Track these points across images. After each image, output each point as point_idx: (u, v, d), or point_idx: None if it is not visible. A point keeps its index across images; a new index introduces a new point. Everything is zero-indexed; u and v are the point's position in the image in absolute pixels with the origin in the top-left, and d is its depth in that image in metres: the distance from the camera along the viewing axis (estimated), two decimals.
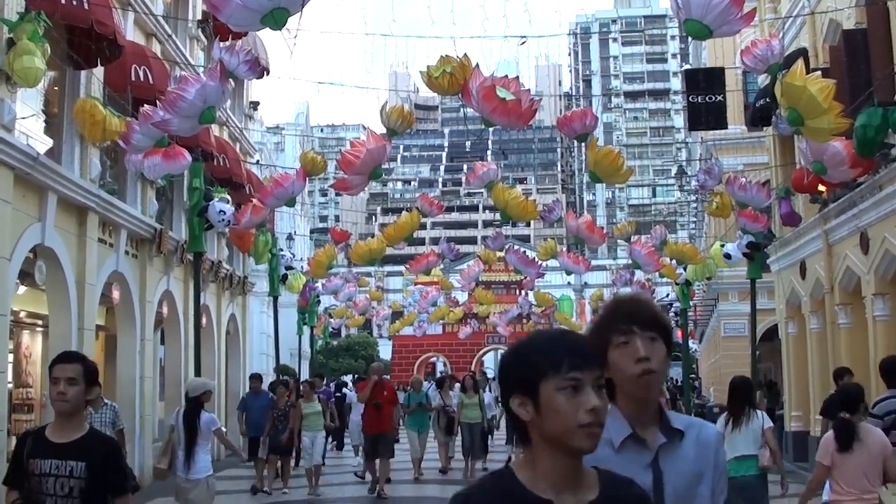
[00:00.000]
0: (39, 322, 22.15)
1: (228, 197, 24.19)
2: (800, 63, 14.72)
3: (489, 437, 31.44)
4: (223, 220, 22.93)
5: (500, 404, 31.46)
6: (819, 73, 15.79)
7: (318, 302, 46.11)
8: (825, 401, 12.57)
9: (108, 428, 14.51)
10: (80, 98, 18.82)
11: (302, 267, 40.56)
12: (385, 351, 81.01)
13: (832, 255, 23.79)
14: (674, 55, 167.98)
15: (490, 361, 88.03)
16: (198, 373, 21.97)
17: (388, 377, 39.61)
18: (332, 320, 56.42)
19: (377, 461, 21.67)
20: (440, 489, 22.82)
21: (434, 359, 77.32)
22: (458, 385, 28.51)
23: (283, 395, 22.42)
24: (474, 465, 24.87)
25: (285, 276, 34.78)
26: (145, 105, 16.60)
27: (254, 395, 23.44)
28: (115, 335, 23.96)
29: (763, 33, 26.85)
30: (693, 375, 56.55)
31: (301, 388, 24.05)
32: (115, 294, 22.67)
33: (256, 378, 24.15)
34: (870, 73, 19.26)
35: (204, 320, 27.32)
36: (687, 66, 71.62)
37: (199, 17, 28.78)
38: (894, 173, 18.56)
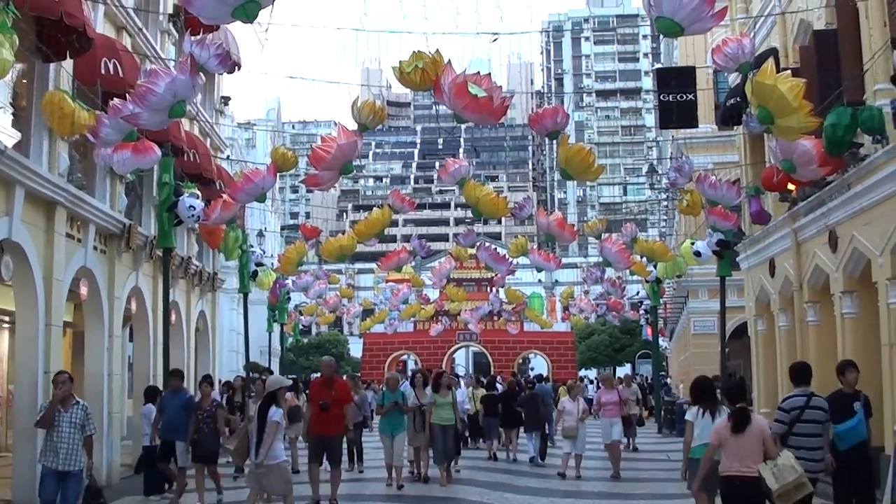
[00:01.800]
0: (6, 318, 22.07)
1: (198, 192, 24.12)
2: (770, 62, 14.84)
3: (467, 438, 31.42)
4: (193, 215, 22.87)
5: (473, 401, 31.52)
6: (789, 72, 15.84)
7: (289, 299, 46.17)
8: (725, 391, 13.25)
9: (79, 432, 14.34)
10: (48, 91, 18.70)
11: (272, 264, 40.50)
12: (356, 349, 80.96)
13: (801, 254, 23.93)
14: (646, 54, 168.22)
15: (461, 358, 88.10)
16: (166, 369, 21.92)
17: (358, 374, 39.56)
18: (302, 317, 56.50)
19: (331, 469, 19.27)
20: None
21: (405, 357, 77.25)
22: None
23: (207, 395, 19.85)
24: (448, 469, 22.69)
25: (255, 273, 34.72)
26: (115, 99, 16.50)
27: (172, 394, 19.87)
28: (82, 332, 23.80)
29: (734, 32, 26.99)
30: (663, 373, 56.80)
31: (253, 386, 22.38)
32: (83, 290, 22.52)
33: (176, 375, 20.46)
34: (839, 73, 19.39)
35: (173, 317, 27.19)
36: (658, 66, 71.86)
37: (170, 10, 28.64)
38: (863, 172, 18.69)
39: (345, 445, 22.79)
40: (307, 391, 22.60)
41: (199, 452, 19.16)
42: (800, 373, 14.03)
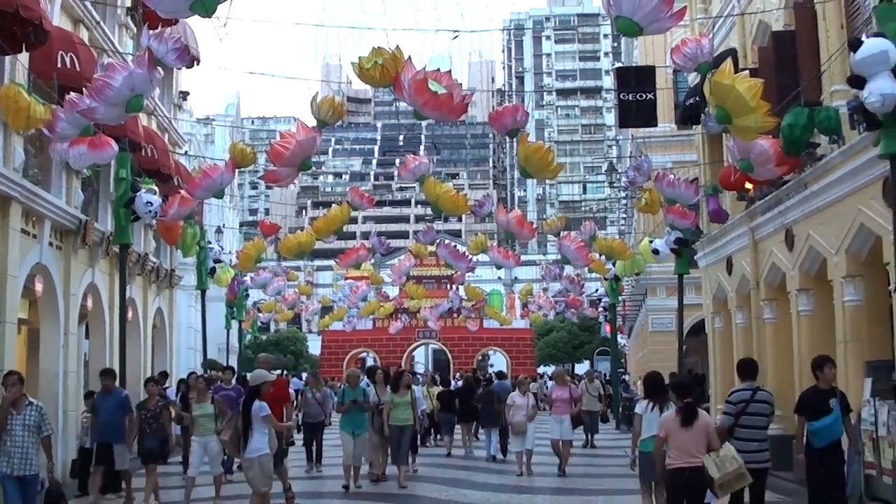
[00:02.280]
0: None
1: (156, 188, 23.98)
2: (729, 63, 14.90)
3: (426, 436, 31.26)
4: (150, 211, 22.74)
5: (429, 399, 31.47)
6: (747, 72, 15.98)
7: (247, 296, 45.95)
8: (672, 387, 14.20)
9: (34, 434, 13.95)
10: (3, 84, 18.52)
11: (230, 260, 40.31)
12: (314, 346, 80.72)
13: (758, 252, 24.12)
14: (606, 53, 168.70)
15: (421, 356, 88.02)
16: (122, 368, 21.75)
17: (317, 371, 39.46)
18: (260, 314, 56.21)
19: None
20: None
21: (364, 354, 77.15)
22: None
23: (153, 395, 19.17)
24: (405, 470, 21.74)
25: (213, 270, 34.59)
26: (71, 93, 16.40)
27: (105, 395, 18.75)
28: (37, 329, 23.55)
29: (693, 33, 27.13)
30: (621, 370, 57.03)
31: (196, 384, 21.24)
32: (38, 287, 22.30)
33: (107, 374, 19.23)
34: (797, 73, 19.53)
35: (130, 314, 27.02)
36: (618, 65, 72.14)
37: (128, 3, 28.44)
38: (819, 172, 18.87)
39: (302, 444, 22.78)
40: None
41: (144, 452, 18.66)
42: (747, 368, 14.53)
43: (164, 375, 26.33)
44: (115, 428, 18.27)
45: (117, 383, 19.55)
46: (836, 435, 13.37)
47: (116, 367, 21.56)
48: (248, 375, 16.84)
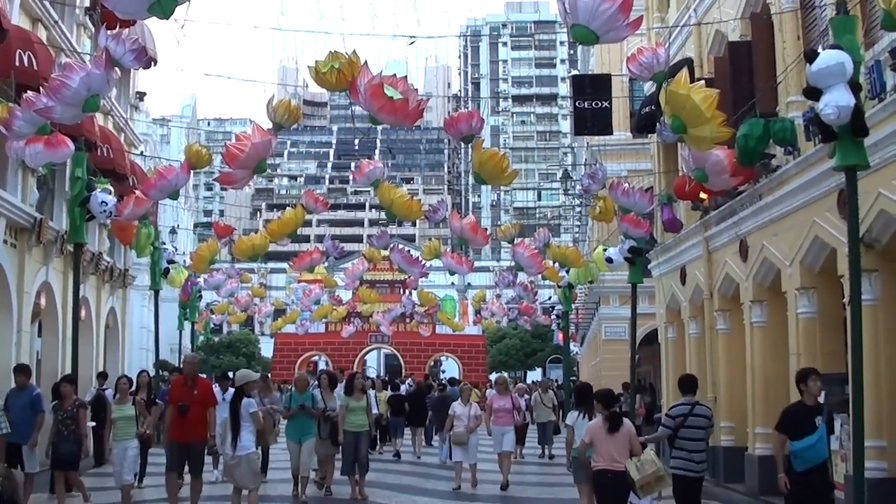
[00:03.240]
0: None
1: (111, 188, 23.80)
2: (684, 72, 14.95)
3: (377, 443, 31.10)
4: (105, 211, 22.57)
5: (379, 403, 31.39)
6: (703, 82, 16.07)
7: (200, 297, 45.72)
8: (598, 397, 14.72)
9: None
10: None
11: (184, 261, 40.11)
12: (267, 348, 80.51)
13: (712, 262, 24.22)
14: (562, 61, 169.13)
15: (373, 360, 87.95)
16: (74, 366, 21.59)
17: (268, 375, 39.28)
18: (213, 316, 55.93)
19: (191, 480, 17.49)
20: None
21: (316, 358, 76.95)
22: (341, 385, 25.35)
23: (68, 396, 18.24)
24: (361, 480, 20.65)
25: (167, 270, 34.40)
26: (28, 91, 16.28)
27: (17, 392, 17.94)
28: None
29: (650, 42, 27.23)
30: (574, 378, 57.14)
31: (118, 384, 19.90)
32: None
33: (21, 371, 18.52)
34: (753, 84, 19.67)
35: (83, 313, 26.85)
36: (575, 72, 72.33)
37: (86, 3, 28.29)
38: (774, 183, 19.00)
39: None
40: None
41: (58, 457, 17.82)
42: (687, 384, 15.34)
43: (104, 376, 26.05)
44: (25, 428, 17.36)
45: (77, 386, 19.34)
46: (822, 457, 12.61)
47: (69, 367, 21.40)
48: (234, 375, 16.96)
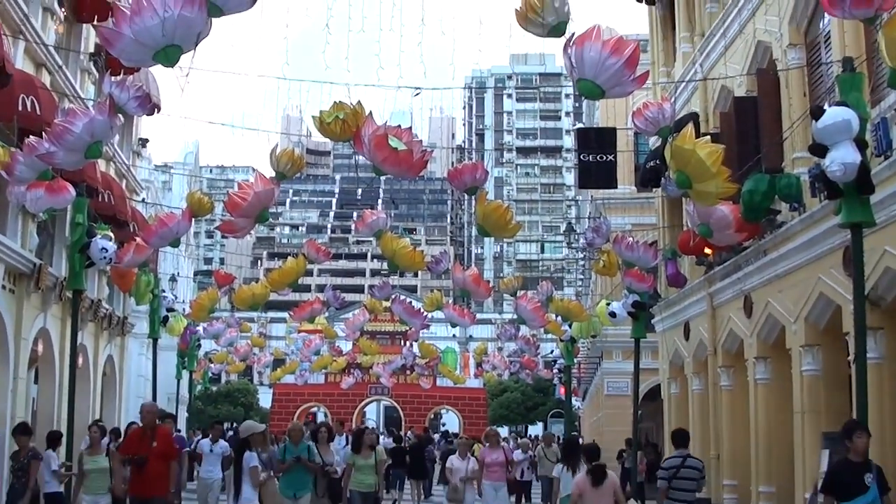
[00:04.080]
0: None
1: (111, 234, 23.82)
2: (690, 127, 15.01)
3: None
4: (105, 257, 22.55)
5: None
6: (709, 137, 16.10)
7: (199, 346, 45.56)
8: (584, 451, 15.94)
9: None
10: None
11: (183, 309, 40.04)
12: (265, 399, 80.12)
13: (716, 318, 24.18)
14: (567, 113, 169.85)
15: (372, 412, 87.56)
16: (71, 414, 21.47)
17: (267, 425, 39.13)
18: (212, 365, 55.74)
19: None
20: None
21: (315, 409, 76.64)
22: (339, 438, 24.06)
23: (24, 447, 17.75)
24: None
25: (166, 318, 34.31)
26: (31, 136, 16.31)
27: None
28: None
29: (655, 96, 27.31)
30: (575, 433, 56.88)
31: (90, 433, 19.07)
32: None
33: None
34: (759, 140, 19.72)
35: (80, 360, 26.76)
36: (579, 125, 72.59)
37: (91, 49, 28.43)
38: (779, 239, 19.00)
39: None
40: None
41: None
42: (679, 437, 16.39)
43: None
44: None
45: (65, 431, 19.23)
46: None
47: (65, 415, 21.28)
48: (226, 424, 16.79)
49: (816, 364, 18.15)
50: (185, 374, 44.50)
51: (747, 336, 21.61)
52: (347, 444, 26.32)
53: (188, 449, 26.61)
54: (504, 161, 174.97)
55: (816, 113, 12.07)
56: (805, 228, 17.68)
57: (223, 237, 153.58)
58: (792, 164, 18.34)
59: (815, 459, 16.64)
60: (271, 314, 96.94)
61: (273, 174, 18.56)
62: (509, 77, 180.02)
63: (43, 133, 15.35)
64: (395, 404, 76.23)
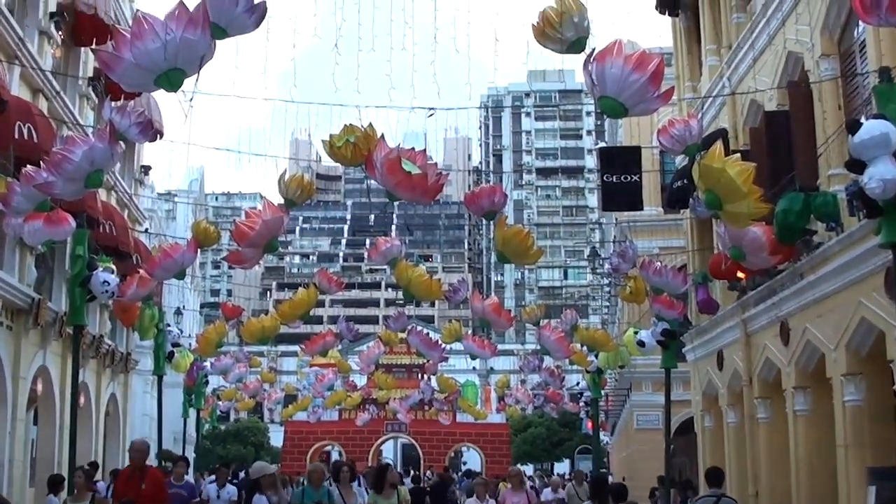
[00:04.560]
0: None
1: (113, 267, 23.88)
2: (719, 144, 14.95)
3: None
4: (107, 291, 22.59)
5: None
6: (738, 155, 16.02)
7: (206, 382, 45.54)
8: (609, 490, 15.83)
9: None
10: None
11: (190, 344, 40.07)
12: (276, 437, 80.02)
13: (751, 346, 24.03)
14: (589, 132, 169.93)
15: (389, 451, 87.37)
16: (72, 456, 21.48)
17: (278, 465, 39.10)
18: (220, 403, 55.71)
19: None
20: None
21: (329, 447, 76.48)
22: (358, 479, 23.33)
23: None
24: None
25: (171, 354, 34.29)
26: (28, 165, 16.37)
27: None
28: None
29: (681, 112, 27.32)
30: (604, 469, 56.68)
31: (76, 478, 18.96)
32: None
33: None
34: (792, 156, 19.64)
35: (82, 399, 26.82)
36: (602, 144, 72.70)
37: (90, 74, 28.59)
38: (816, 261, 18.88)
39: None
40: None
41: None
42: (713, 476, 17.19)
43: (95, 466, 25.94)
44: None
45: (66, 475, 19.24)
46: None
47: (66, 457, 21.30)
48: (249, 469, 16.89)
49: (859, 394, 17.97)
50: (192, 412, 44.42)
51: (784, 365, 21.45)
52: (361, 485, 26.12)
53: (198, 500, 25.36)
54: (523, 183, 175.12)
55: (853, 127, 12.02)
56: (843, 249, 17.57)
57: (230, 268, 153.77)
58: (828, 182, 18.25)
59: (860, 496, 16.48)
60: (282, 348, 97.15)
61: (282, 201, 18.60)
62: (527, 95, 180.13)
63: (40, 162, 15.40)
64: (414, 442, 76.01)
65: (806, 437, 20.50)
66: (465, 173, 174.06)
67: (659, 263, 23.33)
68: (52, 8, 25.42)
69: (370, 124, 16.25)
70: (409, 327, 35.46)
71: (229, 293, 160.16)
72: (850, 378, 18.00)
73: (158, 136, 26.37)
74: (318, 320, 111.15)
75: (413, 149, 16.56)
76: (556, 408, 58.71)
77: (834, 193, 16.75)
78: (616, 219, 46.66)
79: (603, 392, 45.92)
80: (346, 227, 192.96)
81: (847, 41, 18.70)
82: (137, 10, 11.90)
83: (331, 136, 16.37)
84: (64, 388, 26.40)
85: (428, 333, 37.79)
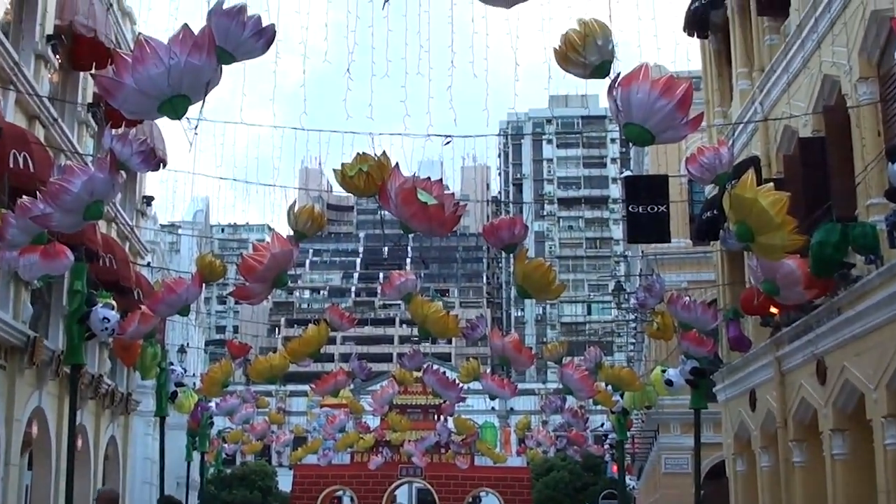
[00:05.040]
0: None
1: (114, 303, 23.88)
2: (751, 173, 14.93)
3: None
4: (107, 328, 22.60)
5: None
6: (772, 184, 16.01)
7: (211, 424, 45.53)
8: None
9: None
10: None
11: (194, 384, 40.05)
12: (285, 482, 79.77)
13: (785, 385, 23.94)
14: (613, 160, 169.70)
15: (403, 496, 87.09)
16: (69, 503, 21.45)
17: None
18: (225, 445, 55.73)
19: None
20: None
21: (340, 492, 76.30)
22: None
23: None
24: None
25: (175, 394, 34.30)
26: (24, 196, 16.40)
27: None
28: None
29: (711, 140, 27.30)
30: None
31: None
32: None
33: None
34: (828, 185, 19.60)
35: (79, 443, 26.79)
36: (627, 173, 72.67)
37: (89, 100, 28.69)
38: (854, 296, 18.80)
39: None
40: None
41: None
42: None
43: None
44: None
45: None
46: None
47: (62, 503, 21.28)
48: None
49: None
50: (197, 455, 44.42)
51: (821, 406, 21.34)
52: None
53: None
54: (545, 214, 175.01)
55: (893, 153, 12.00)
56: (883, 283, 17.50)
57: (237, 304, 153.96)
58: (866, 212, 18.20)
59: None
60: (291, 388, 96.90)
61: (291, 233, 18.58)
62: (548, 121, 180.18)
63: (37, 192, 15.41)
64: (429, 487, 75.71)
65: (844, 482, 20.37)
66: (483, 204, 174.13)
67: (687, 298, 23.26)
68: (50, 30, 25.49)
69: (384, 153, 16.21)
70: (425, 366, 35.36)
71: (236, 330, 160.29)
72: (892, 420, 17.90)
73: (161, 165, 26.39)
74: (329, 358, 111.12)
75: (429, 178, 16.53)
76: (580, 450, 58.53)
77: (873, 224, 16.71)
78: (642, 251, 46.65)
79: (629, 434, 45.75)
80: (358, 261, 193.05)
81: (887, 63, 18.66)
82: (139, 33, 11.92)
83: (342, 165, 16.33)
84: (60, 431, 26.36)
85: (444, 372, 37.67)
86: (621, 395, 34.76)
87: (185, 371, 40.76)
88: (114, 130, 14.99)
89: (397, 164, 16.04)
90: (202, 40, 11.36)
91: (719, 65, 30.48)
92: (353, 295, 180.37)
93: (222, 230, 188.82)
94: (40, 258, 18.34)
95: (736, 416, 28.70)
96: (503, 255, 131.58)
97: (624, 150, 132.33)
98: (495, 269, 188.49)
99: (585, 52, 12.67)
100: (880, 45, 18.62)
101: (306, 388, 60.28)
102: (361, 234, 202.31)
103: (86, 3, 26.22)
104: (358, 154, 16.31)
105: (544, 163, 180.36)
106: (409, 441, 61.08)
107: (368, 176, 16.00)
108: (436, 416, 62.17)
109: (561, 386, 33.84)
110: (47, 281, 23.53)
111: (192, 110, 12.10)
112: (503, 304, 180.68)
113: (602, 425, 61.51)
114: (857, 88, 18.95)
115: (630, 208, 25.43)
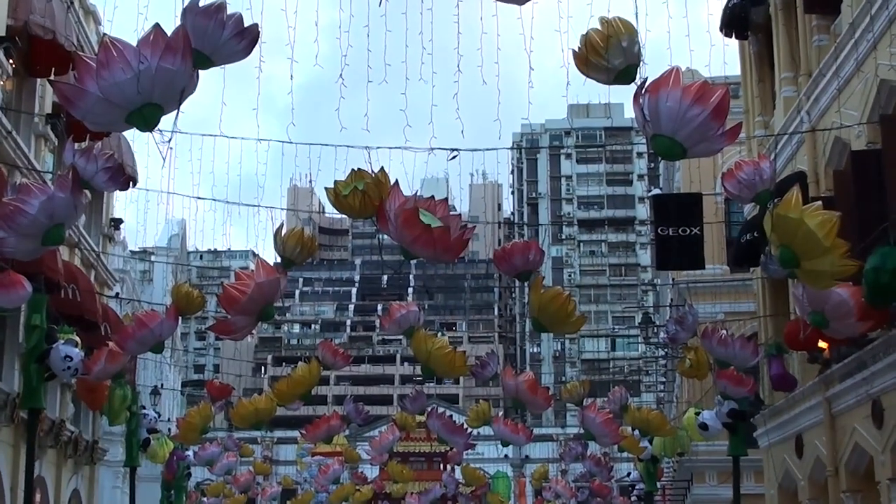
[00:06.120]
0: None
1: (77, 339, 23.87)
2: (796, 190, 14.88)
3: None
4: (69, 368, 22.57)
5: None
6: (820, 203, 15.97)
7: (189, 475, 45.48)
8: None
9: None
10: None
11: (169, 430, 40.07)
12: None
13: (836, 429, 23.86)
14: (640, 176, 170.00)
15: None
16: None
17: None
18: (205, 499, 55.69)
19: None
20: None
21: None
22: None
23: None
24: None
25: (147, 442, 34.27)
26: None
27: None
28: None
29: (750, 153, 27.30)
30: None
31: None
32: None
33: None
34: (884, 203, 19.52)
35: (38, 497, 26.72)
36: (656, 191, 72.83)
37: (48, 110, 28.68)
38: None
39: None
40: None
41: None
42: None
43: None
44: None
45: None
46: None
47: None
48: None
49: None
50: None
51: (878, 452, 21.26)
52: None
53: None
54: (563, 237, 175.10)
55: None
56: None
57: (218, 339, 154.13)
58: None
59: None
60: (278, 433, 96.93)
61: (278, 260, 18.57)
62: (567, 133, 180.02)
63: None
64: None
65: None
66: (494, 226, 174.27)
67: (724, 332, 23.23)
68: (1, 32, 25.43)
69: (382, 169, 16.21)
70: (429, 409, 35.35)
71: (216, 369, 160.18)
72: None
73: (131, 183, 26.41)
74: (322, 401, 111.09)
75: (433, 197, 16.50)
76: (604, 503, 58.49)
77: None
78: (673, 279, 46.63)
79: (659, 484, 45.70)
80: (354, 291, 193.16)
81: None
82: (105, 35, 11.87)
83: (336, 182, 16.32)
84: (16, 484, 26.30)
85: (451, 416, 37.68)
86: (650, 441, 34.70)
87: (159, 416, 40.72)
88: (76, 144, 14.95)
89: (397, 181, 16.03)
90: (176, 42, 11.33)
91: (760, 69, 30.49)
92: (348, 329, 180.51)
93: (201, 257, 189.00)
94: None
95: (780, 463, 28.63)
96: (517, 283, 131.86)
97: (652, 165, 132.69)
98: (508, 300, 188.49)
99: (608, 54, 12.62)
100: None
101: (296, 434, 60.36)
102: (357, 261, 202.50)
103: (42, 1, 26.15)
104: (353, 170, 16.29)
105: (563, 180, 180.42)
106: (412, 493, 61.11)
107: (365, 195, 15.98)
108: (441, 466, 62.28)
109: (582, 431, 33.81)
110: (1, 315, 23.48)
111: (166, 121, 12.06)
112: (517, 338, 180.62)
113: (629, 475, 61.30)
114: None
115: (659, 231, 25.43)
